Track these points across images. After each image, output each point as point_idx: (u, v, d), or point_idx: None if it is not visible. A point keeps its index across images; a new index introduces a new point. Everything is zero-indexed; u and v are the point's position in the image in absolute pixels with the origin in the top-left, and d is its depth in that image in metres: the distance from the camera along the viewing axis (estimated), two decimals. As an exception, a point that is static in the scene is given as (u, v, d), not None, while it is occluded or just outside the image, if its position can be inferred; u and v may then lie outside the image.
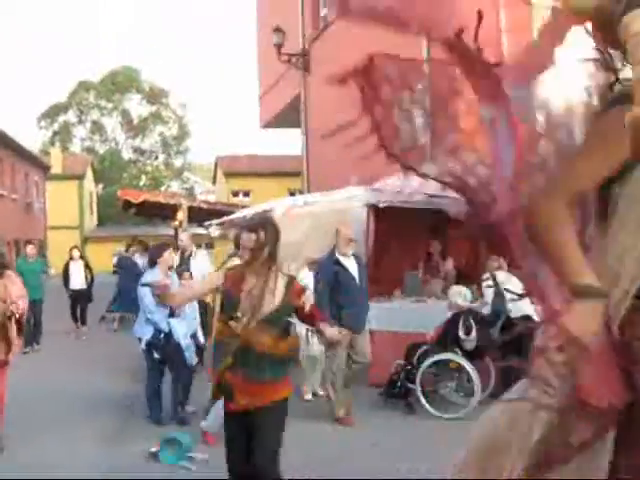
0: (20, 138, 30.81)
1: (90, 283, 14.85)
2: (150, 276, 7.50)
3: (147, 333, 7.53)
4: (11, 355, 6.77)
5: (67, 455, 6.43)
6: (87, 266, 14.92)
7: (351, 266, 7.41)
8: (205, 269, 9.86)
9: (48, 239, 36.14)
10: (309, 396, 8.41)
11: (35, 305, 11.95)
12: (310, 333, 7.65)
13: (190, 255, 10.22)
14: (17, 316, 6.66)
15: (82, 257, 15.34)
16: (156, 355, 7.51)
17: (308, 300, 4.34)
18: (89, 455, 6.41)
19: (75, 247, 15.55)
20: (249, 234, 4.22)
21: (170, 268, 7.86)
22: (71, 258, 14.86)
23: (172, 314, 7.53)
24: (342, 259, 7.36)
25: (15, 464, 6.21)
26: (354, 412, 7.71)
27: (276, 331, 4.11)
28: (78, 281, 14.56)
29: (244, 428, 4.15)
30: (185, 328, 7.71)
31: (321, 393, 8.34)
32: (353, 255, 7.49)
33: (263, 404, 4.08)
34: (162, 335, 7.42)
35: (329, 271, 7.35)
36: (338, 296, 7.21)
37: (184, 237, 10.80)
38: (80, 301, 14.65)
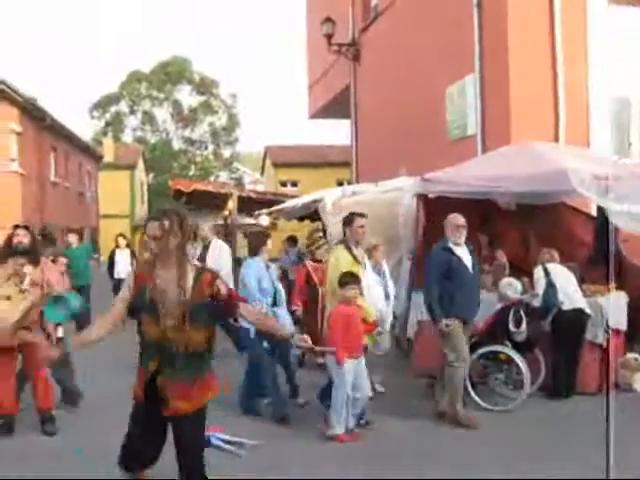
0: (74, 128, 31.42)
1: None
2: (253, 265, 7.37)
3: None
4: (51, 340, 6.96)
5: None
6: (133, 254, 14.47)
7: (464, 255, 7.16)
8: (220, 259, 9.95)
9: (100, 227, 36.80)
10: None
11: (82, 291, 11.83)
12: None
13: (208, 245, 10.37)
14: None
15: (128, 245, 15.02)
16: (265, 344, 7.17)
17: (222, 284, 4.13)
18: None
19: (121, 235, 15.14)
20: (153, 223, 4.08)
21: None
22: (117, 246, 14.63)
23: (275, 303, 7.39)
24: (454, 248, 7.11)
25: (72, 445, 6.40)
26: (404, 402, 7.75)
27: (197, 325, 3.96)
28: (123, 269, 13.91)
29: (160, 427, 4.15)
30: (288, 316, 7.50)
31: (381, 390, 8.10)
32: (465, 243, 7.22)
33: (193, 410, 4.02)
34: None
35: (441, 260, 7.08)
36: (450, 285, 6.97)
37: (205, 227, 10.77)
38: None
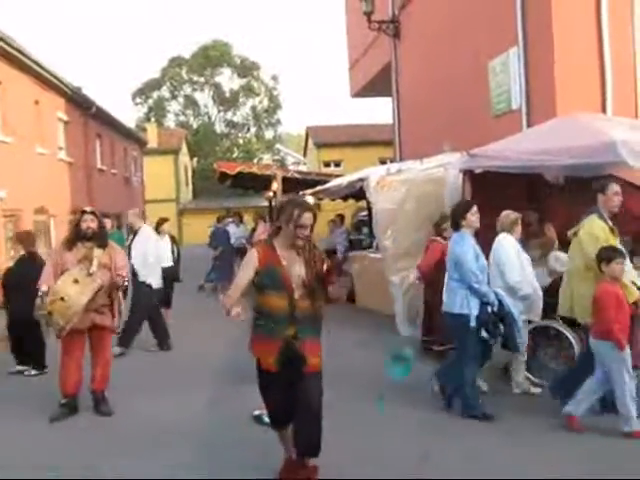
0: (117, 115, 31.83)
1: (177, 260, 12.58)
2: (466, 239, 6.59)
3: (474, 308, 6.36)
4: (116, 321, 7.18)
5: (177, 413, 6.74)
6: (174, 240, 12.79)
7: None
8: (147, 245, 9.94)
9: (146, 212, 37.28)
10: (518, 390, 7.26)
11: None
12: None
13: (137, 231, 10.36)
14: (124, 285, 7.10)
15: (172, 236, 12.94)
16: (484, 334, 6.35)
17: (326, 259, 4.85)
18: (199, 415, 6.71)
19: (165, 219, 12.65)
20: (309, 213, 4.55)
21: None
22: (157, 231, 12.01)
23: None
24: None
25: (125, 425, 6.61)
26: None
27: (320, 294, 4.63)
28: (165, 258, 11.81)
29: (291, 388, 4.61)
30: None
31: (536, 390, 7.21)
32: None
33: (320, 366, 4.68)
34: (490, 309, 6.36)
35: None
36: None
37: (130, 214, 10.71)
38: (167, 280, 11.81)
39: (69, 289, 6.50)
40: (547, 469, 5.14)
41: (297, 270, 4.55)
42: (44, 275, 6.94)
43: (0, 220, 17.42)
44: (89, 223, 6.88)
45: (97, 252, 6.82)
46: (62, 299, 6.44)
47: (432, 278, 8.57)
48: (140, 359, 9.67)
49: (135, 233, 10.39)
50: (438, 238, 8.85)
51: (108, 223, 12.38)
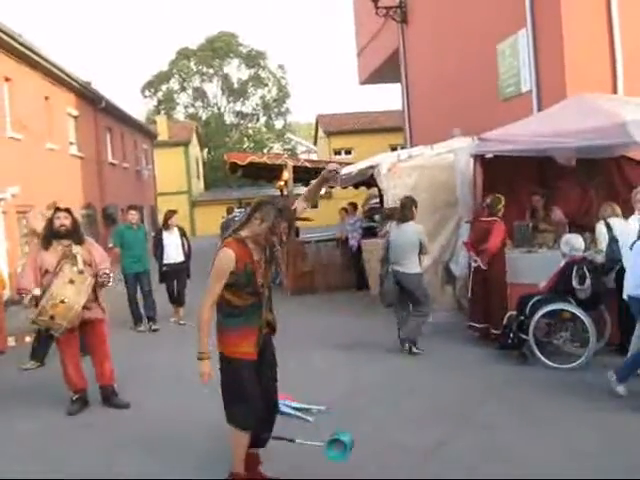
0: (127, 109, 31.86)
1: (188, 254, 11.87)
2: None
3: None
4: (106, 315, 7.08)
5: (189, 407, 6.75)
6: (184, 234, 11.98)
7: None
8: None
9: (158, 205, 37.36)
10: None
11: (141, 278, 11.36)
12: None
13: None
14: (108, 282, 7.00)
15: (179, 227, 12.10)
16: None
17: None
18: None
19: (173, 211, 12.21)
20: (286, 223, 4.52)
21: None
22: (166, 226, 11.84)
23: None
24: None
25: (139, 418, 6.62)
26: (467, 364, 7.77)
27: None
28: (173, 254, 11.66)
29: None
30: None
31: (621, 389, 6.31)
32: None
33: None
34: None
35: None
36: None
37: (30, 217, 9.99)
38: (179, 277, 11.81)
39: (67, 290, 6.45)
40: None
41: (262, 264, 4.54)
42: (26, 277, 6.80)
43: (14, 216, 17.51)
44: (62, 220, 6.79)
45: (77, 249, 6.74)
46: (63, 301, 6.43)
47: (492, 260, 8.42)
48: (153, 354, 9.69)
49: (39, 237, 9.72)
50: (497, 219, 8.53)
51: (135, 216, 11.72)
